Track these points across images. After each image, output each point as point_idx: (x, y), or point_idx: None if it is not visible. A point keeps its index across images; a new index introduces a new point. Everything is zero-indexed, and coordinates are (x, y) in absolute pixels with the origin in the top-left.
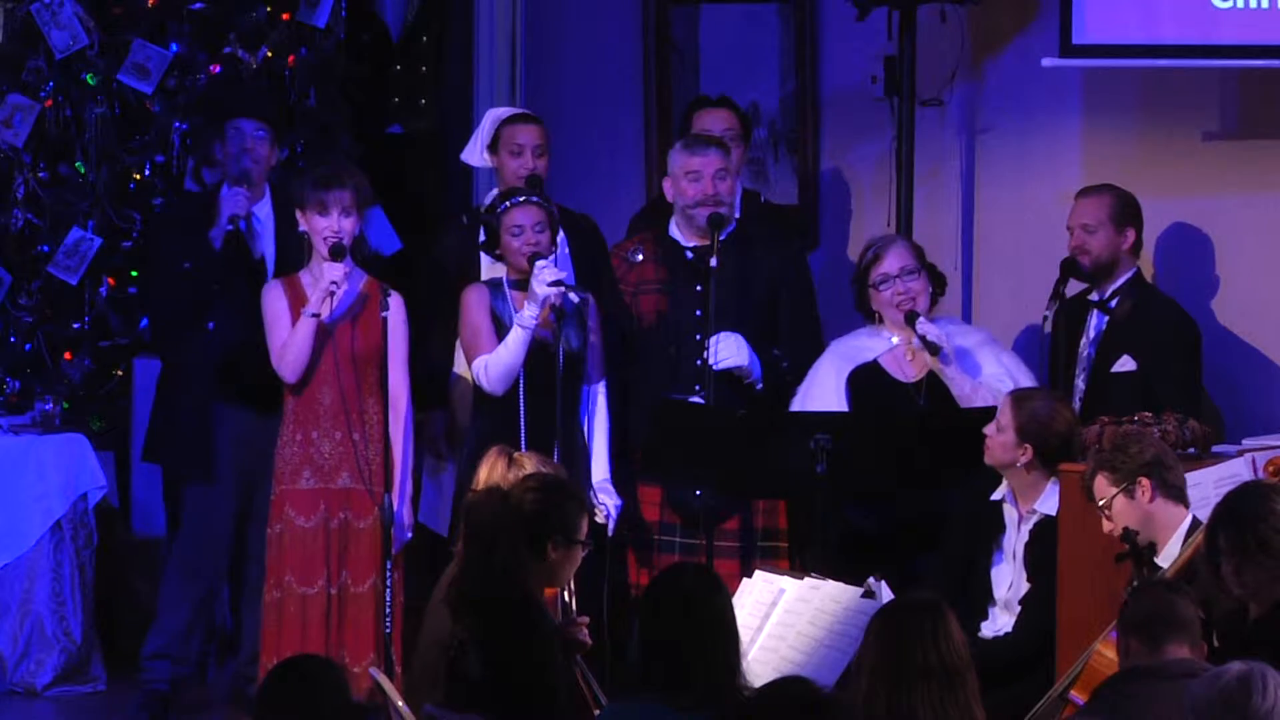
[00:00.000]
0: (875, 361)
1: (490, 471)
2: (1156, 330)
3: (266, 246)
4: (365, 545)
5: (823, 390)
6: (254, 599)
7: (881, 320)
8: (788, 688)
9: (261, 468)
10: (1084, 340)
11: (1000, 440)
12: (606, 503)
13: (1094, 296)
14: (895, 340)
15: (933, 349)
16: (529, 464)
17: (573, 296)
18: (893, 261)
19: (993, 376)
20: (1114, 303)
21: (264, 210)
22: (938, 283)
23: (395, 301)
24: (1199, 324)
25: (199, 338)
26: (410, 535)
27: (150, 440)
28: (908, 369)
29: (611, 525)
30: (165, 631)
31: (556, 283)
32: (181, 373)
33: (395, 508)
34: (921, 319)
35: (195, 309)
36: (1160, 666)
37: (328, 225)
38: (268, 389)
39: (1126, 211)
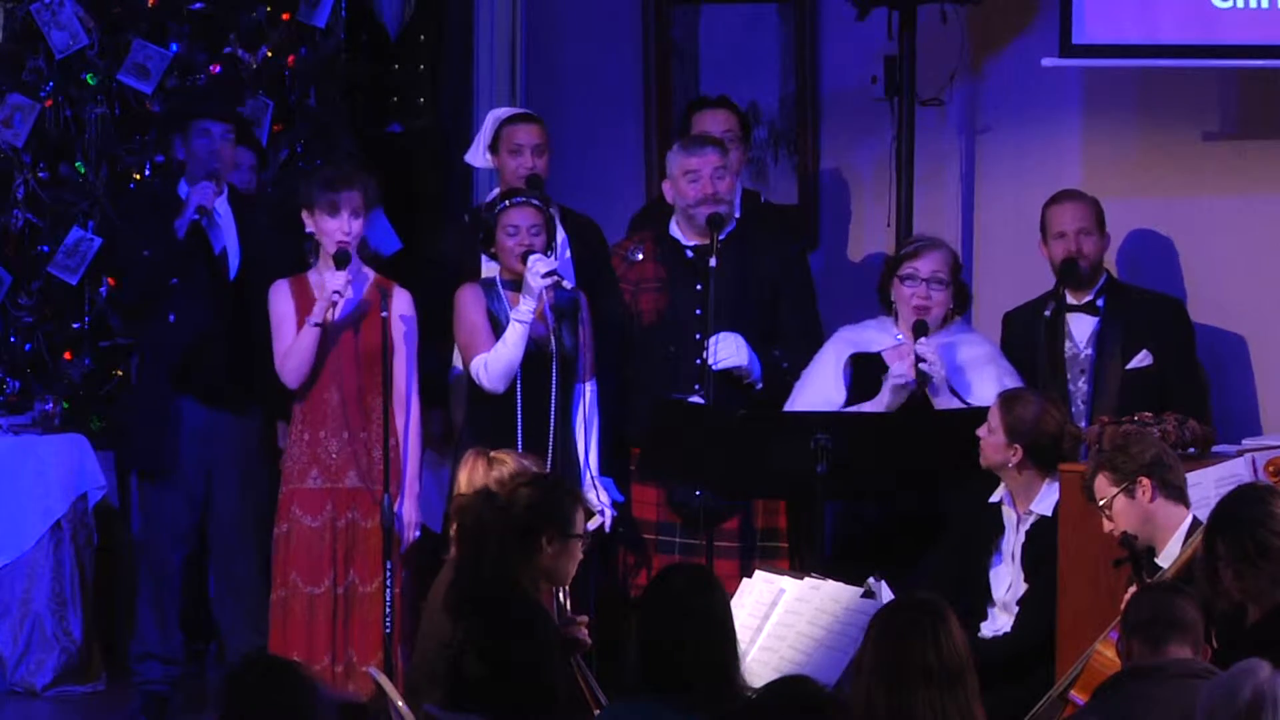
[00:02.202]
0: (879, 354)
1: (470, 474)
2: (1161, 325)
3: (229, 240)
4: (373, 545)
5: (822, 376)
6: (230, 597)
7: (894, 313)
8: (788, 688)
9: (222, 462)
10: (1069, 343)
11: (991, 442)
12: (600, 500)
13: (1070, 300)
14: (901, 337)
15: (923, 378)
16: (509, 462)
17: (566, 284)
18: (928, 264)
19: (983, 400)
20: (1100, 302)
21: (223, 205)
22: (961, 300)
23: (405, 300)
24: (1198, 324)
25: (158, 329)
26: (419, 534)
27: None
28: (909, 371)
29: (607, 523)
30: (143, 631)
31: (550, 273)
32: (141, 365)
33: (398, 507)
34: (924, 341)
35: (154, 298)
36: (1160, 667)
37: (338, 226)
38: (226, 383)
39: (1102, 215)
